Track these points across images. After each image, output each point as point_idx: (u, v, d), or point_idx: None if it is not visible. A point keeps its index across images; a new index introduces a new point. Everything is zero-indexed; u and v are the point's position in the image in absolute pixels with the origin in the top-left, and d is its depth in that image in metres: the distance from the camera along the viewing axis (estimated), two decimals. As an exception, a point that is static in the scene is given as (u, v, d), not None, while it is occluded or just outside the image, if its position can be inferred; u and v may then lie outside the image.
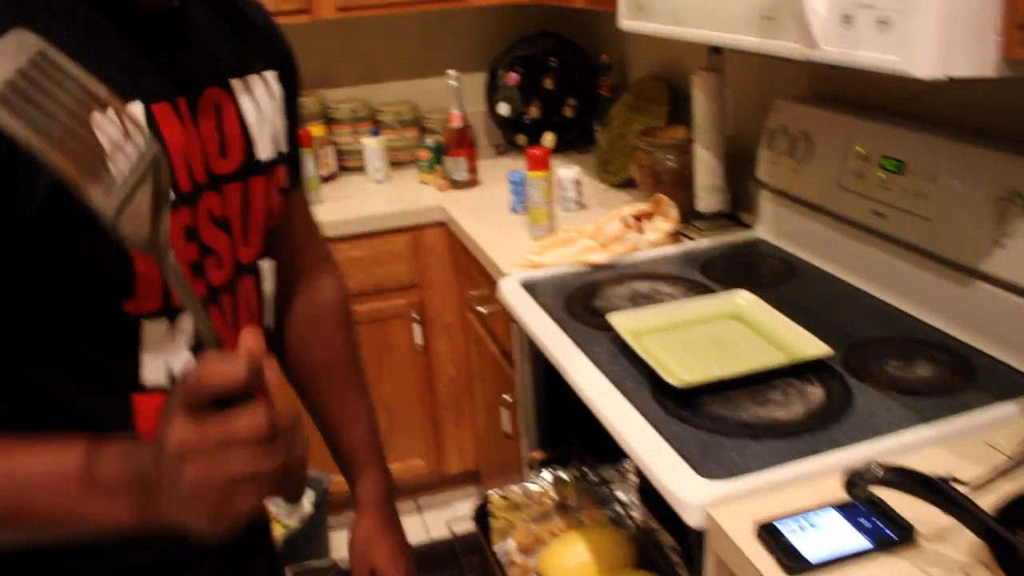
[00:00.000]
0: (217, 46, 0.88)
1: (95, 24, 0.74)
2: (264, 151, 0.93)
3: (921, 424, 1.13)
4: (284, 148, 0.98)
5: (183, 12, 0.83)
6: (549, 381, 1.71)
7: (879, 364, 1.29)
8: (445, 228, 2.43)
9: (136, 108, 0.75)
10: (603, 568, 1.44)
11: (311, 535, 2.20)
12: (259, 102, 0.92)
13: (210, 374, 0.57)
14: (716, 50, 1.81)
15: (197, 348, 0.83)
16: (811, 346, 1.31)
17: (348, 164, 2.81)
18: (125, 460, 0.64)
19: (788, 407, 1.20)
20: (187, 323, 0.82)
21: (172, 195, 0.76)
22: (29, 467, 0.66)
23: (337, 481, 1.24)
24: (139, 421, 0.80)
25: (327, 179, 2.70)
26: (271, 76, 0.96)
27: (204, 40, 0.86)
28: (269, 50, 0.98)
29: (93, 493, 0.64)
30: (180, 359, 0.82)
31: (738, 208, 2.02)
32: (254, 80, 0.92)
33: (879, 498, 0.97)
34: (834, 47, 1.07)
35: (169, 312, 0.80)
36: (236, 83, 0.90)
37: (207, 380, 0.57)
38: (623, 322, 1.41)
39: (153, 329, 0.79)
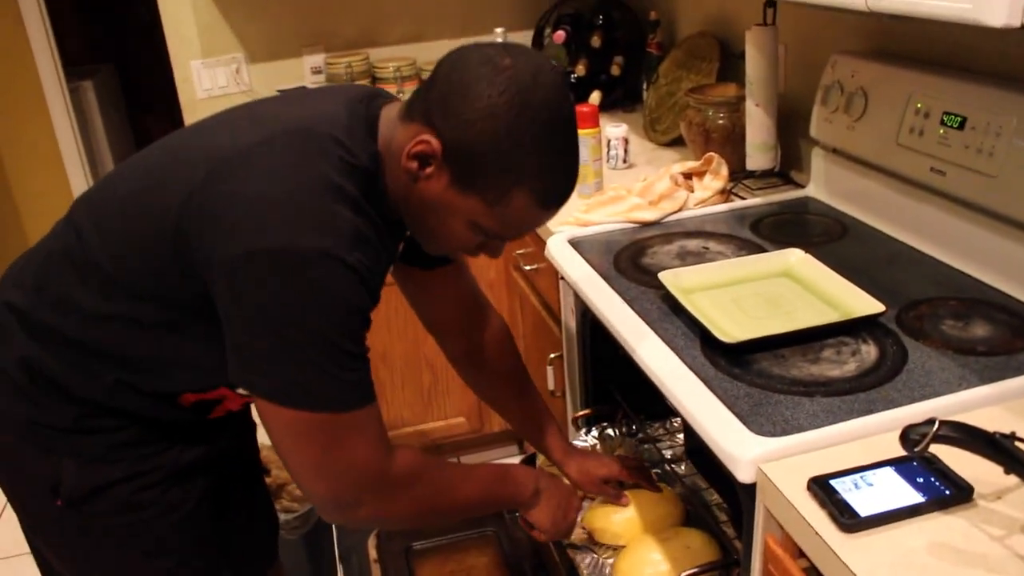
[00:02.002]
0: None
1: (383, 232, 1.07)
2: None
3: (979, 384, 1.11)
4: None
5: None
6: (595, 339, 1.70)
7: (935, 323, 1.27)
8: (490, 187, 2.42)
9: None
10: (648, 524, 1.44)
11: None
12: None
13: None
14: (770, 4, 1.77)
15: None
16: (864, 303, 1.29)
17: (393, 122, 2.80)
18: (530, 475, 1.34)
19: (841, 365, 1.19)
20: None
21: None
22: (478, 473, 1.27)
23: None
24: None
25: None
26: None
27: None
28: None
29: (509, 485, 1.30)
30: None
31: (789, 166, 1.99)
32: None
33: (936, 456, 0.96)
34: (900, -5, 1.03)
35: None
36: None
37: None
38: (673, 279, 1.40)
39: None
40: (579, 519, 1.51)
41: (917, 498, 0.92)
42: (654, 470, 1.60)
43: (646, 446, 1.68)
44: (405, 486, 1.10)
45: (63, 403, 1.13)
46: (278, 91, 2.71)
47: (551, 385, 1.98)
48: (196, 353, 1.11)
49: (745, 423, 1.07)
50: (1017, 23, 0.89)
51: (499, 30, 2.48)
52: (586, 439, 1.68)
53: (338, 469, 1.03)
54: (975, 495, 0.92)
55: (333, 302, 0.97)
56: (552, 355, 1.92)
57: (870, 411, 1.07)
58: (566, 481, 1.47)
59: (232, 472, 1.33)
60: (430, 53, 2.90)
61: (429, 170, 1.01)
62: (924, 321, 1.28)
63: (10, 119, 3.87)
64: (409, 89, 2.76)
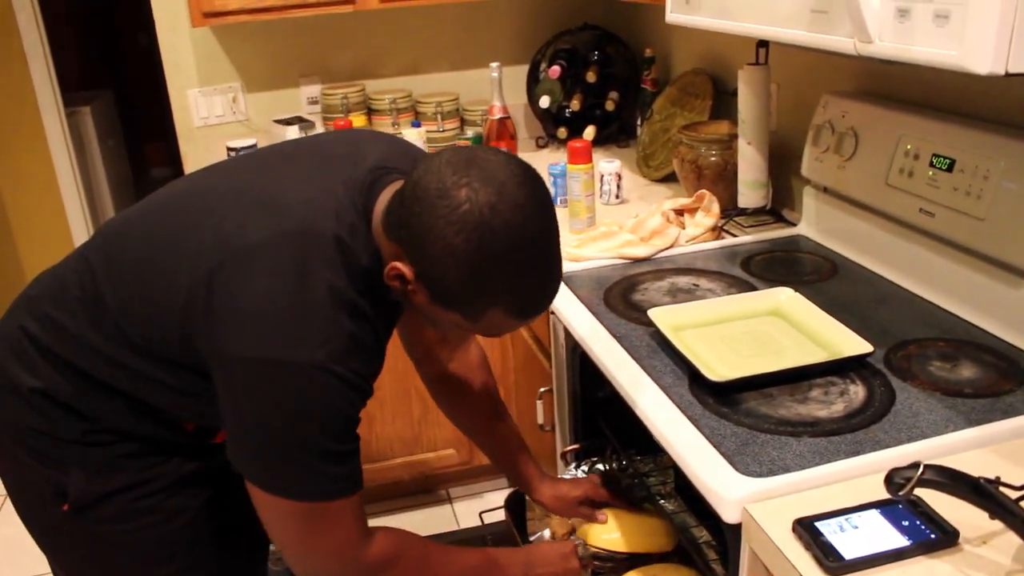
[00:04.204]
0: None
1: (381, 327, 1.11)
2: None
3: (966, 426, 1.11)
4: None
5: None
6: (585, 374, 1.70)
7: (923, 364, 1.27)
8: (484, 219, 2.42)
9: None
10: (638, 544, 1.44)
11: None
12: None
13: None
14: (763, 44, 1.79)
15: None
16: (853, 344, 1.29)
17: (388, 154, 2.81)
18: (523, 554, 1.37)
19: (829, 405, 1.19)
20: None
21: None
22: (462, 559, 1.27)
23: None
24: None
25: (367, 168, 2.70)
26: None
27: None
28: None
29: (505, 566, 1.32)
30: None
31: (781, 204, 2.00)
32: None
33: (922, 500, 0.96)
34: (889, 42, 1.04)
35: None
36: None
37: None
38: (663, 316, 1.40)
39: None
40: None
41: (902, 541, 0.91)
42: (644, 504, 1.59)
43: (636, 481, 1.67)
44: (377, 571, 1.15)
45: (72, 419, 1.17)
46: (291, 120, 2.72)
47: (540, 419, 1.97)
48: (201, 405, 1.14)
49: (731, 463, 1.07)
50: (1001, 71, 0.90)
51: (494, 64, 2.49)
52: (575, 473, 1.68)
53: (313, 551, 1.10)
54: (960, 539, 0.92)
55: (322, 411, 1.01)
56: (542, 389, 1.92)
57: (857, 452, 1.07)
58: (563, 560, 1.44)
59: (231, 483, 1.34)
60: (426, 86, 2.92)
61: (411, 287, 1.03)
62: (912, 362, 1.29)
63: (7, 144, 3.88)
64: (405, 121, 2.78)
